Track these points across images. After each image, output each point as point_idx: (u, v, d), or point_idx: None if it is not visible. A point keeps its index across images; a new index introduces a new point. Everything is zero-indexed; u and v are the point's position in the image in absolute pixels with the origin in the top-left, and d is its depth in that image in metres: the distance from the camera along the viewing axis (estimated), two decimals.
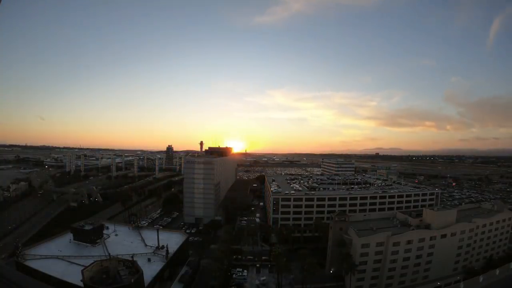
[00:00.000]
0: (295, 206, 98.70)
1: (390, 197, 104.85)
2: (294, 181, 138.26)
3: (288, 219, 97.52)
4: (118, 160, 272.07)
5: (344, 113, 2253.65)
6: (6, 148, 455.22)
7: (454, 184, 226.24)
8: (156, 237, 62.97)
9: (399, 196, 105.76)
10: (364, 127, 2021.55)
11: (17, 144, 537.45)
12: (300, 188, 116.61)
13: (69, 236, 62.86)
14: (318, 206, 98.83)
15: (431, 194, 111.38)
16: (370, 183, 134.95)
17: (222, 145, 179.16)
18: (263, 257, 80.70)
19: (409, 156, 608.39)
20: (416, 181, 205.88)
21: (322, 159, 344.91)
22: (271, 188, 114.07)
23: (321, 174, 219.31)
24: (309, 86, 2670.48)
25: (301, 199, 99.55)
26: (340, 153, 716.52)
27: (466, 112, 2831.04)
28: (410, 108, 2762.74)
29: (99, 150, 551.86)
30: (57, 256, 53.47)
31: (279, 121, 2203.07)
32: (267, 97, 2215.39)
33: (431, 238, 66.20)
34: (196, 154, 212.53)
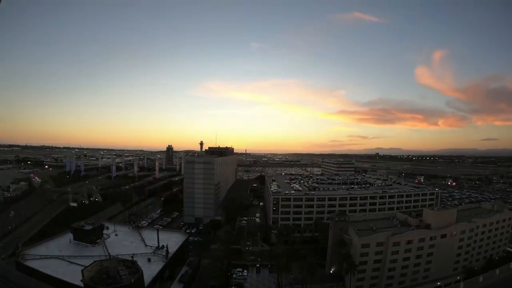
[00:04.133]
0: (295, 206, 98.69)
1: (390, 197, 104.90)
2: (294, 181, 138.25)
3: (288, 219, 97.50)
4: (118, 160, 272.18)
5: (313, 105, 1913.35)
6: (6, 148, 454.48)
7: (454, 184, 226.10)
8: (156, 237, 62.96)
9: (399, 196, 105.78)
10: (347, 124, 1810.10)
11: (17, 144, 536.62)
12: (300, 188, 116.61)
13: (69, 236, 62.80)
14: (318, 206, 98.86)
15: (431, 194, 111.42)
16: (370, 183, 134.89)
17: (222, 145, 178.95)
18: (262, 257, 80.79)
19: (409, 156, 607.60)
20: (416, 181, 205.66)
21: (322, 159, 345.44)
22: (271, 188, 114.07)
23: (321, 174, 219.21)
24: (245, 74, 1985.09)
25: (301, 199, 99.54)
26: (340, 153, 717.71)
27: (456, 101, 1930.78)
28: (387, 99, 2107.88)
29: (99, 150, 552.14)
30: (57, 256, 53.42)
31: (251, 118, 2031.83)
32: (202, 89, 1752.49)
33: (431, 238, 66.24)
34: (196, 154, 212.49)
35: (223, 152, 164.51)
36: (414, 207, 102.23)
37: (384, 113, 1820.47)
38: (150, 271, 50.55)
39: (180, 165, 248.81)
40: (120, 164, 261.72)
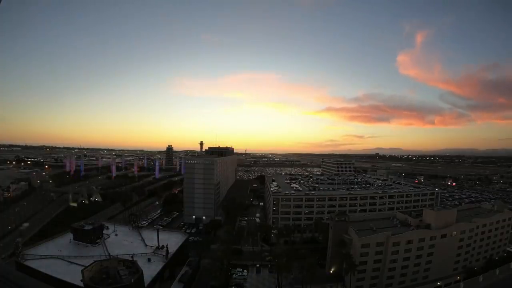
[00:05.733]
0: (295, 206, 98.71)
1: (390, 197, 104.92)
2: (294, 181, 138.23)
3: (288, 219, 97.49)
4: (118, 160, 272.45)
5: (298, 103, 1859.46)
6: (6, 148, 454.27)
7: (454, 184, 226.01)
8: (156, 237, 62.98)
9: (399, 196, 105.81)
10: (338, 122, 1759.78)
11: (17, 144, 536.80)
12: (300, 188, 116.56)
13: (69, 236, 62.80)
14: (318, 206, 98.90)
15: (431, 194, 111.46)
16: (370, 183, 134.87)
17: (222, 145, 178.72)
18: (264, 257, 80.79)
19: (409, 156, 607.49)
20: (416, 181, 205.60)
21: (322, 159, 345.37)
22: (271, 188, 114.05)
23: (321, 174, 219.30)
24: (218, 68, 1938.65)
25: (301, 199, 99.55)
26: (339, 153, 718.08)
27: (451, 96, 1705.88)
28: (373, 94, 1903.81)
29: (99, 150, 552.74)
30: (57, 256, 53.44)
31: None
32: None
33: (431, 238, 66.20)
34: (196, 154, 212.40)
35: (223, 152, 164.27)
36: (414, 207, 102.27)
37: (374, 109, 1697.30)
38: (150, 271, 50.54)
39: (180, 165, 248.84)
40: (120, 164, 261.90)
